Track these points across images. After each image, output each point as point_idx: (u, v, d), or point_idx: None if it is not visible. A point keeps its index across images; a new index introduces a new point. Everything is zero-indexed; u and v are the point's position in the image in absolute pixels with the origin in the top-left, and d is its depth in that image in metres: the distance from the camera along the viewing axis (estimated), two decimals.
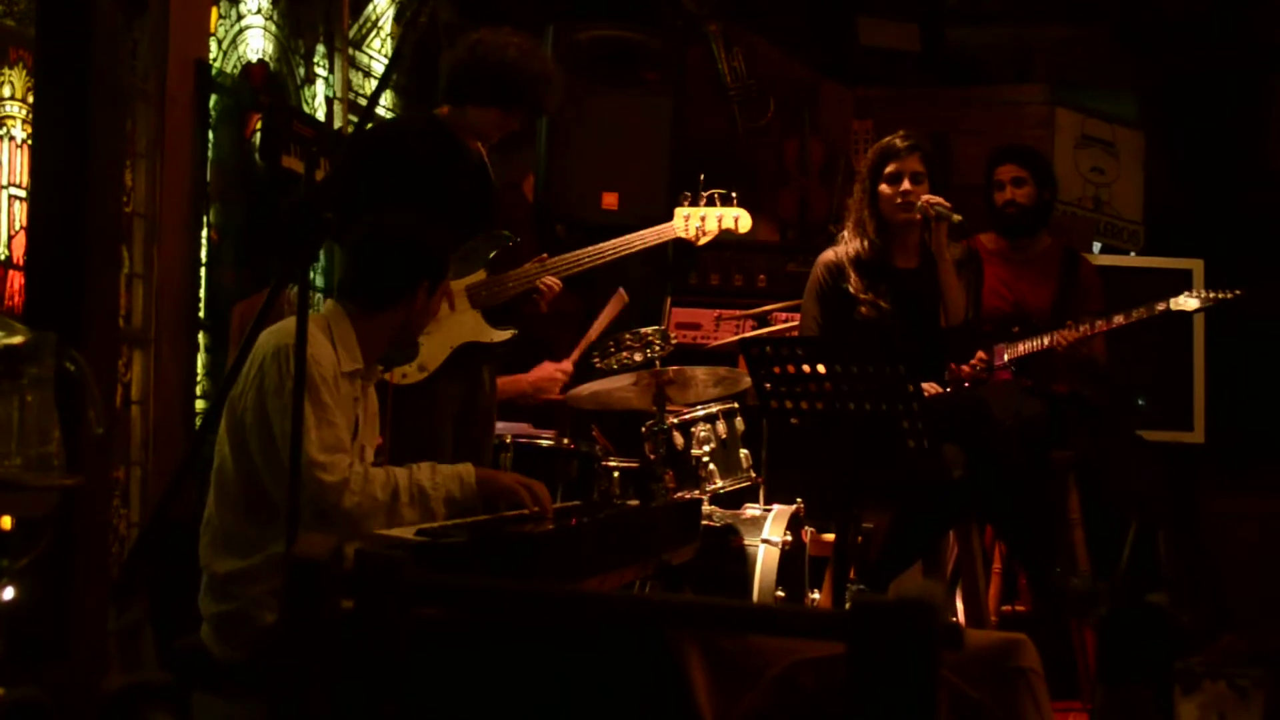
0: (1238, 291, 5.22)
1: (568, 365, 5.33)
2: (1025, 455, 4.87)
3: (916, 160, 4.89)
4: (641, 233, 4.94)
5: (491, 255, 4.64)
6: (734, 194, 5.06)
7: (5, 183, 4.16)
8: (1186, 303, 5.24)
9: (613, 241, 4.88)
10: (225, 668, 3.42)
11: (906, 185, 4.86)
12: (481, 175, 4.69)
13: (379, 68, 6.10)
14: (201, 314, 4.85)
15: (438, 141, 4.58)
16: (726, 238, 5.16)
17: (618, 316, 5.27)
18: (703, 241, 5.05)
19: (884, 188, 4.90)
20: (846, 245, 4.99)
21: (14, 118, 4.13)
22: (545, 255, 4.76)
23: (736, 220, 5.05)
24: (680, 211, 5.02)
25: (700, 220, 5.00)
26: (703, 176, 5.08)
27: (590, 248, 4.84)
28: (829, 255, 5.01)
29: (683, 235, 5.01)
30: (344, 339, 3.57)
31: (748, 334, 5.63)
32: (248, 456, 3.45)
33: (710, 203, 5.02)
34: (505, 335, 4.63)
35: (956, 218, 4.85)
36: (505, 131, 4.70)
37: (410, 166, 4.46)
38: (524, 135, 5.93)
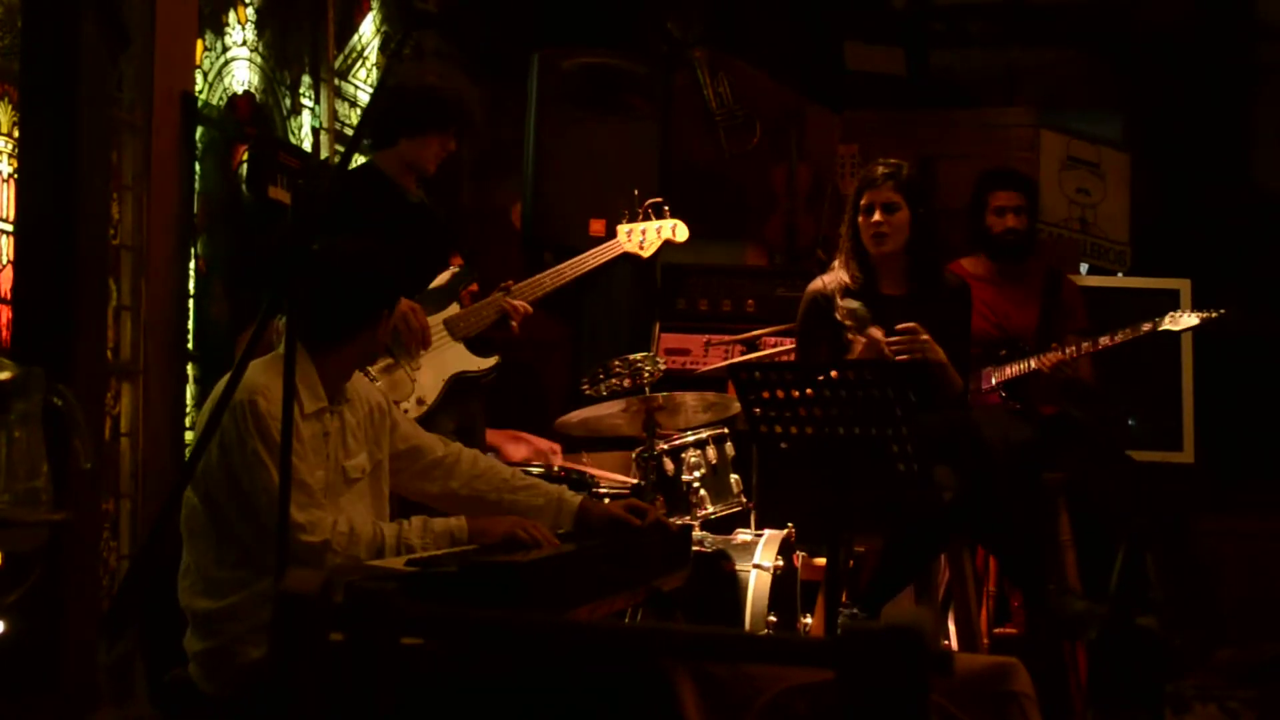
0: (1223, 311, 5.23)
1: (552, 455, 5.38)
2: (1016, 477, 4.87)
3: (889, 190, 4.85)
4: (591, 252, 5.02)
5: (460, 288, 4.71)
6: (666, 204, 5.13)
7: None
8: (1173, 323, 5.26)
9: (569, 262, 4.95)
10: (213, 703, 3.40)
11: (878, 216, 4.85)
12: (424, 214, 4.74)
13: (365, 98, 6.12)
14: (190, 345, 4.85)
15: (376, 189, 4.63)
16: (705, 261, 5.20)
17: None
18: (647, 254, 5.12)
19: (860, 219, 4.89)
20: (836, 274, 4.98)
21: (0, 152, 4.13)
22: (510, 282, 4.80)
23: (675, 230, 5.13)
24: (622, 228, 5.10)
25: (641, 234, 5.08)
26: (636, 191, 5.13)
27: (549, 270, 4.93)
28: (816, 284, 5.00)
29: (629, 249, 5.09)
30: (304, 378, 3.50)
31: (737, 359, 5.63)
32: (214, 505, 3.42)
33: (647, 216, 5.08)
34: (490, 362, 4.72)
35: (864, 313, 4.77)
36: (444, 156, 4.75)
37: (355, 220, 4.46)
38: (511, 163, 5.96)
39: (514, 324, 4.78)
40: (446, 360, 4.63)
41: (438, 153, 4.72)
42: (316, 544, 3.33)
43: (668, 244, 5.18)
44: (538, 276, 4.87)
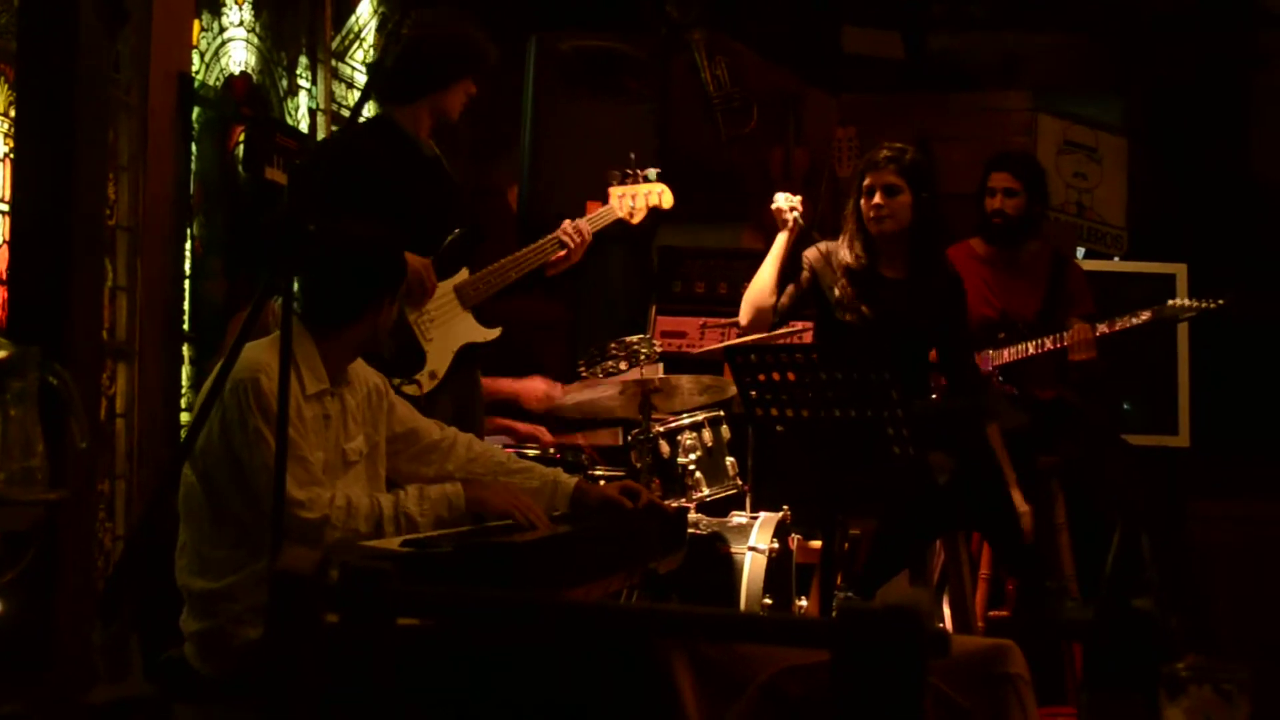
0: (1221, 301, 5.25)
1: (558, 391, 5.32)
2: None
3: (891, 173, 4.85)
4: (587, 217, 4.95)
5: (470, 251, 4.67)
6: (658, 169, 5.07)
7: None
8: (1174, 312, 5.29)
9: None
10: (209, 682, 3.40)
11: (879, 199, 4.85)
12: (439, 171, 4.70)
13: (362, 79, 6.10)
14: (186, 326, 4.84)
15: (393, 143, 4.59)
16: (704, 243, 5.17)
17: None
18: (636, 219, 5.05)
19: (862, 200, 4.89)
20: (838, 250, 4.96)
21: None
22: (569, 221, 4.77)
23: (660, 196, 5.05)
24: (614, 191, 5.03)
25: (632, 199, 5.03)
26: (634, 155, 5.09)
27: (548, 236, 4.83)
28: (815, 251, 4.99)
29: (620, 215, 5.01)
30: (306, 359, 3.52)
31: (733, 342, 5.62)
32: (213, 485, 3.42)
33: (637, 180, 5.04)
34: (495, 334, 4.67)
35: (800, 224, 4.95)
36: (467, 101, 4.72)
37: (369, 173, 4.45)
38: (508, 144, 5.94)
39: (574, 252, 4.75)
40: (456, 330, 4.57)
41: (463, 100, 4.71)
42: (315, 520, 3.33)
43: (665, 226, 5.15)
44: (539, 243, 4.81)
